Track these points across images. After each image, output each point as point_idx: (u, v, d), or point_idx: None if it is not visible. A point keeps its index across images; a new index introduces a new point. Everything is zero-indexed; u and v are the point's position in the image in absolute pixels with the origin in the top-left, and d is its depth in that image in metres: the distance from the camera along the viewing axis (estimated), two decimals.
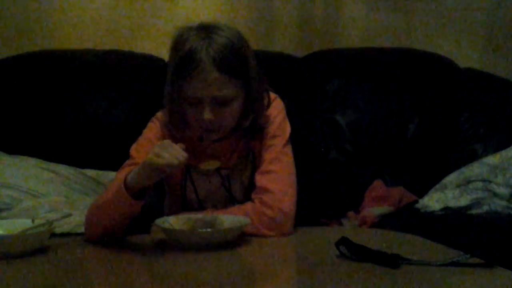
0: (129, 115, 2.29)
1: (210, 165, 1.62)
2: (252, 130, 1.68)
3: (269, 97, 1.70)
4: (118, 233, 1.58)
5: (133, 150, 1.68)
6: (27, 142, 2.23)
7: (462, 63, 2.70)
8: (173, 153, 1.44)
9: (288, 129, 1.73)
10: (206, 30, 1.58)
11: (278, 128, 1.70)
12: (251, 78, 1.61)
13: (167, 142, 1.49)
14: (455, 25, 2.85)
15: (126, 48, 2.60)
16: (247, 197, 1.69)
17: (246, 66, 1.60)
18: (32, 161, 2.08)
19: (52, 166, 2.08)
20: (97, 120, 2.28)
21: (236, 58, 1.57)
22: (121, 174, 1.56)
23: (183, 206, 1.76)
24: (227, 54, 1.55)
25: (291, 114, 1.78)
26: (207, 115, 1.57)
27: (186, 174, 1.73)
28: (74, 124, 2.26)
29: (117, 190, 1.50)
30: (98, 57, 2.44)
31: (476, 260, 1.29)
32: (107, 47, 2.59)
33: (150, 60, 2.43)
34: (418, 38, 2.84)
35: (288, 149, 1.71)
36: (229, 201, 1.73)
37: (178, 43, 1.59)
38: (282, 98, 1.77)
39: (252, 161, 1.72)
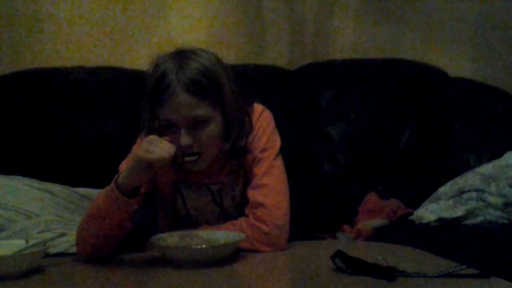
0: (121, 132, 2.28)
1: None
2: (237, 151, 1.67)
3: (250, 120, 1.68)
4: (111, 246, 1.57)
5: (122, 166, 1.67)
6: (19, 161, 2.22)
7: (452, 72, 2.71)
8: (163, 147, 1.47)
9: (278, 141, 1.72)
10: (181, 55, 1.59)
11: (268, 141, 1.69)
12: (225, 101, 1.60)
13: (154, 137, 1.51)
14: (444, 35, 2.87)
15: (117, 64, 2.60)
16: (239, 212, 1.69)
17: (220, 89, 1.59)
18: (24, 180, 2.06)
19: (44, 185, 2.07)
20: (89, 138, 2.27)
21: (209, 81, 1.57)
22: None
23: (176, 223, 1.75)
24: (198, 77, 1.55)
25: (284, 127, 1.77)
26: (184, 139, 1.56)
27: (175, 190, 1.72)
28: (65, 142, 2.25)
29: (108, 192, 1.50)
30: (89, 74, 2.43)
31: (472, 271, 1.29)
32: (97, 63, 2.59)
33: (141, 76, 2.42)
34: (408, 48, 2.85)
35: (279, 162, 1.70)
36: (222, 216, 1.72)
37: (153, 69, 1.60)
38: (274, 111, 1.76)
39: (244, 175, 1.71)
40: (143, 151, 1.47)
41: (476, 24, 2.87)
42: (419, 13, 2.86)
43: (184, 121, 1.56)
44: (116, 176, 1.52)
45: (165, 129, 1.58)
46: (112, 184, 1.50)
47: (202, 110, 1.57)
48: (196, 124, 1.57)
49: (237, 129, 1.65)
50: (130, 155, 1.69)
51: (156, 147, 1.47)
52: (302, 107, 2.52)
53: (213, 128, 1.60)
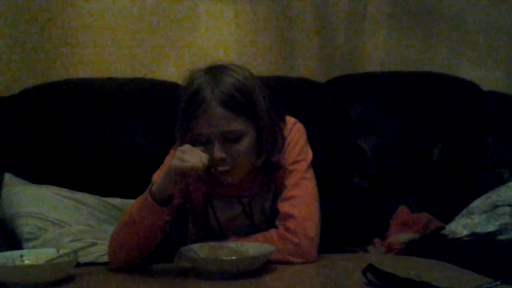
0: (152, 143, 2.29)
1: None
2: (269, 166, 1.67)
3: (283, 134, 1.68)
4: (142, 255, 1.57)
5: (155, 176, 1.68)
6: (51, 171, 2.24)
7: (485, 86, 2.69)
8: (196, 157, 1.48)
9: (310, 153, 1.72)
10: (215, 70, 1.61)
11: (300, 153, 1.69)
12: (259, 117, 1.61)
13: (188, 146, 1.52)
14: (477, 48, 2.84)
15: (148, 75, 2.62)
16: (269, 224, 1.68)
17: (254, 104, 1.60)
18: (56, 190, 2.09)
19: (76, 195, 2.09)
20: (121, 149, 2.29)
21: (243, 96, 1.58)
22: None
23: (206, 234, 1.75)
24: (233, 92, 1.57)
25: (314, 139, 1.77)
26: (217, 152, 1.57)
27: (207, 201, 1.72)
28: (97, 153, 2.27)
29: (142, 200, 1.51)
30: (121, 85, 2.45)
31: (506, 287, 1.27)
32: (129, 75, 2.61)
33: (172, 87, 2.44)
34: (440, 61, 2.83)
35: (310, 174, 1.70)
36: (252, 228, 1.72)
37: (187, 84, 1.62)
38: (305, 123, 1.76)
39: (274, 187, 1.71)
40: (176, 160, 1.48)
41: (509, 37, 2.84)
42: (451, 26, 2.84)
43: (218, 135, 1.57)
44: (150, 185, 1.53)
45: (199, 143, 1.59)
46: (147, 192, 1.51)
47: (237, 125, 1.58)
48: (229, 139, 1.58)
49: (270, 144, 1.65)
50: (163, 166, 1.70)
51: (189, 156, 1.48)
52: (332, 120, 2.52)
53: (247, 143, 1.60)
